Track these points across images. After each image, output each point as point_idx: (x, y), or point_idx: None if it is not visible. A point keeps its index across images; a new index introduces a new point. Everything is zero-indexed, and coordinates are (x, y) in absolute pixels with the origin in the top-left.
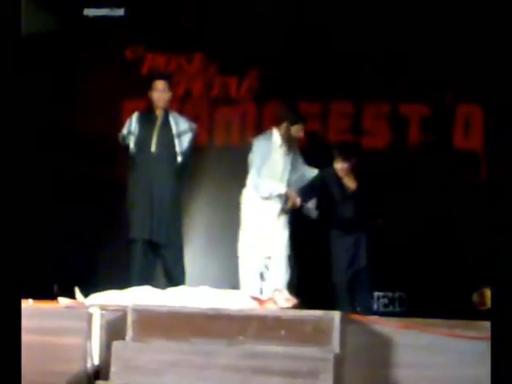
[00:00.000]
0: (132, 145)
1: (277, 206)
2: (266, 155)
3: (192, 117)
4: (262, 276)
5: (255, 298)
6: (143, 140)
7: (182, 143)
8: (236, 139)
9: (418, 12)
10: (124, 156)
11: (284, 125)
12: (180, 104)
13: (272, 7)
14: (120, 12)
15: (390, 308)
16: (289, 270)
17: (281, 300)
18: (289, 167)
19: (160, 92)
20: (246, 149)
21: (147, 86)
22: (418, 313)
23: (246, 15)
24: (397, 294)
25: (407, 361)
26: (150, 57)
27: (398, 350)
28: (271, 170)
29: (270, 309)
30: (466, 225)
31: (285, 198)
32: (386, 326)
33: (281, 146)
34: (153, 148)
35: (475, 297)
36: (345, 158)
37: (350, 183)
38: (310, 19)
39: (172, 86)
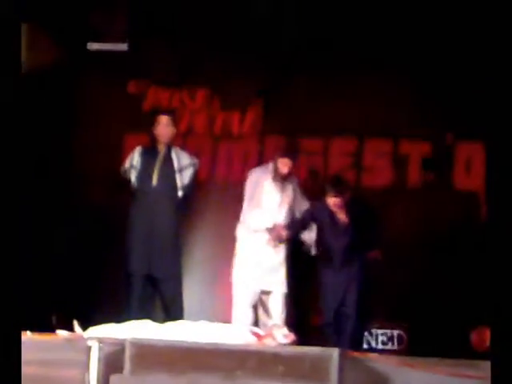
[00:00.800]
0: (134, 179)
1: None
2: (259, 187)
3: (194, 152)
4: (255, 309)
5: (254, 333)
6: (145, 174)
7: (184, 178)
8: (237, 174)
9: (419, 50)
10: (125, 190)
11: (275, 157)
12: (182, 139)
13: (275, 42)
14: (123, 47)
15: (389, 345)
16: (286, 307)
17: (279, 336)
18: (280, 200)
19: (164, 127)
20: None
21: (149, 121)
22: (416, 351)
23: (249, 51)
24: (396, 332)
25: None
26: (153, 92)
27: None
28: (262, 203)
29: (269, 344)
30: (465, 264)
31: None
32: (384, 364)
33: (273, 179)
34: (154, 182)
35: (473, 336)
36: (338, 193)
37: (342, 217)
38: (310, 55)
39: (176, 122)
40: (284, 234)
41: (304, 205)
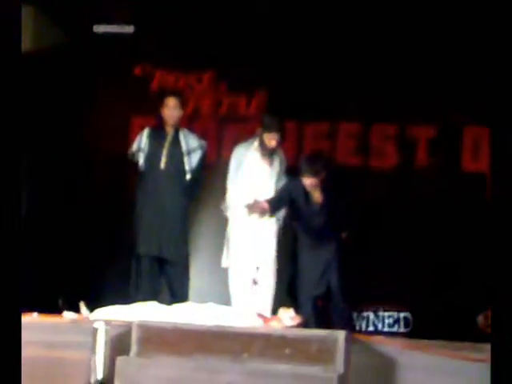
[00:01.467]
0: (141, 161)
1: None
2: (245, 162)
3: (200, 135)
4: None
5: (260, 316)
6: (153, 157)
7: (192, 161)
8: None
9: (427, 34)
10: (133, 172)
11: (259, 131)
12: (188, 122)
13: (282, 27)
14: (130, 29)
15: (395, 328)
16: (276, 283)
17: (286, 318)
18: (265, 175)
19: (171, 109)
20: None
21: (156, 103)
22: (423, 334)
23: (256, 34)
24: (402, 314)
25: (411, 382)
26: (159, 74)
27: (403, 370)
28: (247, 177)
29: (275, 327)
30: (472, 246)
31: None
32: (390, 346)
33: (260, 153)
34: (162, 165)
35: (480, 319)
36: (314, 173)
37: (316, 197)
38: (319, 39)
39: (183, 104)
40: (266, 207)
41: (281, 182)
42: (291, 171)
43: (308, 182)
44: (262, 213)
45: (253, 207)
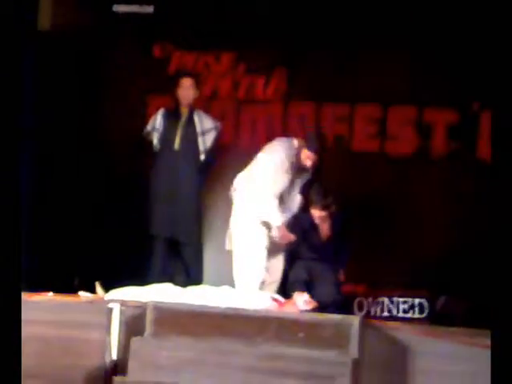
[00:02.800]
0: (156, 141)
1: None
2: (278, 173)
3: (218, 116)
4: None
5: (275, 300)
6: (167, 137)
7: (206, 141)
8: (261, 139)
9: (446, 19)
10: (148, 152)
11: (299, 143)
12: (206, 103)
13: (301, 7)
14: (149, 9)
15: (410, 314)
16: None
17: (300, 302)
18: (294, 193)
19: (186, 89)
20: None
21: (174, 83)
22: (437, 320)
23: (275, 14)
24: (417, 300)
25: (426, 368)
26: (178, 55)
27: (417, 356)
28: (274, 187)
29: (290, 311)
30: (487, 233)
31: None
32: (405, 332)
33: (288, 162)
34: (176, 145)
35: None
36: (324, 207)
37: (324, 230)
38: (338, 21)
39: (199, 85)
40: (292, 238)
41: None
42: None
43: (317, 214)
44: (288, 242)
45: (281, 238)
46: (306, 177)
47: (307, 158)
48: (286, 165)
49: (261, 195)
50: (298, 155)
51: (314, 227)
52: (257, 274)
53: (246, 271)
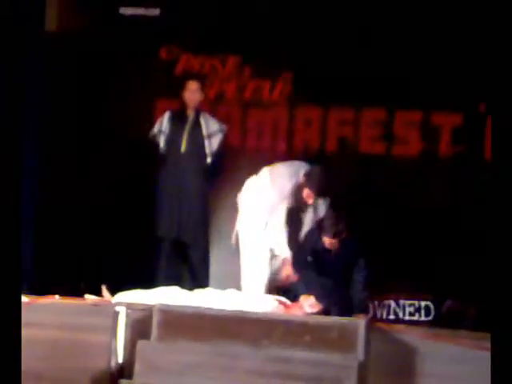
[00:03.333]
0: (162, 144)
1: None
2: (277, 210)
3: (224, 119)
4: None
5: (281, 303)
6: (173, 139)
7: (212, 144)
8: (267, 142)
9: (451, 22)
10: (154, 154)
11: (303, 180)
12: (212, 106)
13: (307, 12)
14: (155, 12)
15: (416, 316)
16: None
17: (306, 305)
18: (295, 229)
19: (192, 92)
20: (277, 152)
21: (180, 86)
22: (443, 322)
23: (281, 18)
24: (423, 303)
25: (431, 371)
26: (185, 57)
27: (423, 359)
28: (282, 217)
29: (296, 314)
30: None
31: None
32: (411, 335)
33: (293, 205)
34: (182, 148)
35: None
36: (336, 234)
37: (334, 254)
38: (344, 25)
39: (205, 88)
40: (292, 276)
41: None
42: (315, 158)
43: (328, 242)
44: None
45: (285, 277)
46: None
47: (308, 196)
48: (289, 196)
49: (271, 223)
50: (299, 192)
51: (325, 250)
52: (262, 277)
53: (251, 274)
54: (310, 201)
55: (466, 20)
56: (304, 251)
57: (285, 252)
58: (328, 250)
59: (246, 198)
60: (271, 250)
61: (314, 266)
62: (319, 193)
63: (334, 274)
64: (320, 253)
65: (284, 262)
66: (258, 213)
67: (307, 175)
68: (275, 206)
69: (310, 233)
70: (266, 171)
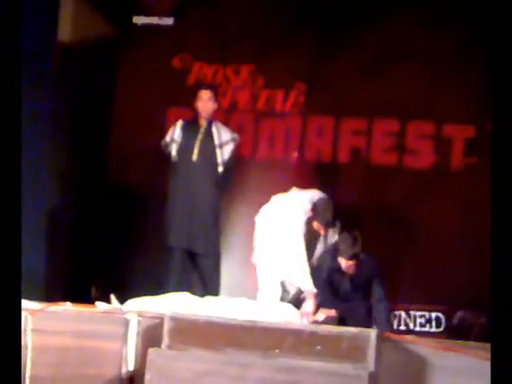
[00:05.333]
0: (174, 153)
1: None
2: (288, 238)
3: (236, 128)
4: (283, 285)
5: (294, 312)
6: (185, 148)
7: (224, 154)
8: (279, 152)
9: (464, 34)
10: (166, 163)
11: (311, 213)
12: (225, 115)
13: (321, 22)
14: (169, 21)
15: (427, 327)
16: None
17: (320, 313)
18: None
19: (204, 102)
20: (289, 162)
21: (193, 95)
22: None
23: (295, 29)
24: (434, 314)
25: (442, 382)
26: (197, 67)
27: (434, 371)
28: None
29: (308, 322)
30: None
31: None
32: (422, 346)
33: (305, 235)
34: (194, 157)
35: None
36: (351, 257)
37: (351, 277)
38: (357, 35)
39: (218, 97)
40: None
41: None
42: (326, 169)
43: (344, 263)
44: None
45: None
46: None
47: (318, 227)
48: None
49: (292, 259)
50: (310, 227)
51: (341, 273)
52: (276, 289)
53: (266, 286)
54: (322, 232)
55: (478, 31)
56: (318, 275)
57: (306, 285)
58: (344, 273)
59: (262, 224)
60: (282, 284)
61: (329, 289)
62: (328, 224)
63: (351, 297)
64: (336, 276)
65: (307, 295)
66: (272, 243)
67: (314, 209)
68: (290, 235)
69: (324, 256)
70: (280, 200)
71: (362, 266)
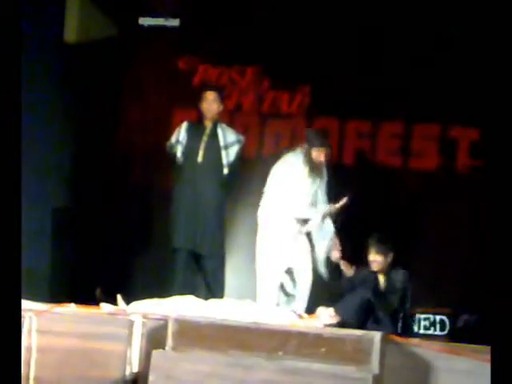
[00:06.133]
0: (179, 154)
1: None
2: (289, 174)
3: (242, 130)
4: (282, 287)
5: (298, 314)
6: (190, 150)
7: (229, 155)
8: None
9: (470, 37)
10: (171, 165)
11: (305, 146)
12: (230, 117)
13: (325, 25)
14: (175, 22)
15: (431, 331)
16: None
17: (325, 316)
18: (311, 189)
19: (210, 103)
20: None
21: (198, 97)
22: (459, 337)
23: (300, 31)
24: (438, 317)
25: None
26: (203, 68)
27: (438, 374)
28: (293, 190)
29: (312, 325)
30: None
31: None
32: (426, 349)
33: (305, 167)
34: (199, 158)
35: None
36: (382, 252)
37: (383, 281)
38: (362, 37)
39: (223, 99)
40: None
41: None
42: (333, 169)
43: (372, 258)
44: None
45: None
46: (323, 178)
47: (318, 155)
48: (303, 171)
49: (290, 201)
50: (309, 157)
51: (374, 279)
52: (275, 290)
53: (265, 287)
54: (322, 157)
55: (483, 34)
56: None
57: (313, 214)
58: (377, 284)
59: (263, 210)
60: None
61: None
62: (326, 147)
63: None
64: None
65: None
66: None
67: (307, 139)
68: (296, 185)
69: (359, 270)
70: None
71: (395, 278)
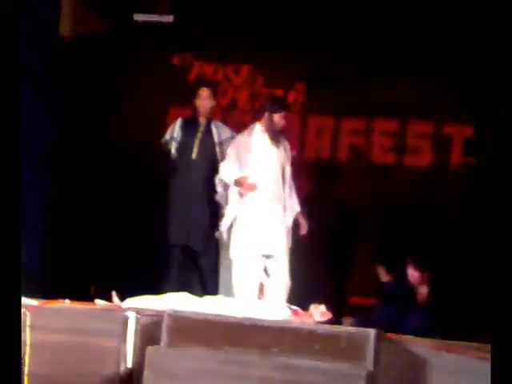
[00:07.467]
0: (173, 151)
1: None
2: (247, 148)
3: (236, 127)
4: (266, 272)
5: (292, 311)
6: (185, 147)
7: (223, 151)
8: None
9: (465, 34)
10: (165, 161)
11: (266, 115)
12: (224, 114)
13: (321, 21)
14: (169, 19)
15: None
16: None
17: (316, 314)
18: (275, 157)
19: (204, 100)
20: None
21: (193, 94)
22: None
23: (295, 29)
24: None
25: (441, 382)
26: (198, 65)
27: (432, 370)
28: (256, 162)
29: (306, 322)
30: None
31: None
32: (420, 346)
33: (266, 136)
34: (194, 155)
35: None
36: (420, 267)
37: (422, 295)
38: (357, 35)
39: (217, 96)
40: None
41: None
42: (325, 164)
43: (410, 272)
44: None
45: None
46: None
47: (279, 119)
48: (254, 141)
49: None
50: (271, 122)
51: (410, 291)
52: (252, 283)
53: (241, 281)
54: (283, 122)
55: (479, 32)
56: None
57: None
58: (413, 295)
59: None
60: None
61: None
62: (286, 110)
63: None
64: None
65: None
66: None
67: (269, 105)
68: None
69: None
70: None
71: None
